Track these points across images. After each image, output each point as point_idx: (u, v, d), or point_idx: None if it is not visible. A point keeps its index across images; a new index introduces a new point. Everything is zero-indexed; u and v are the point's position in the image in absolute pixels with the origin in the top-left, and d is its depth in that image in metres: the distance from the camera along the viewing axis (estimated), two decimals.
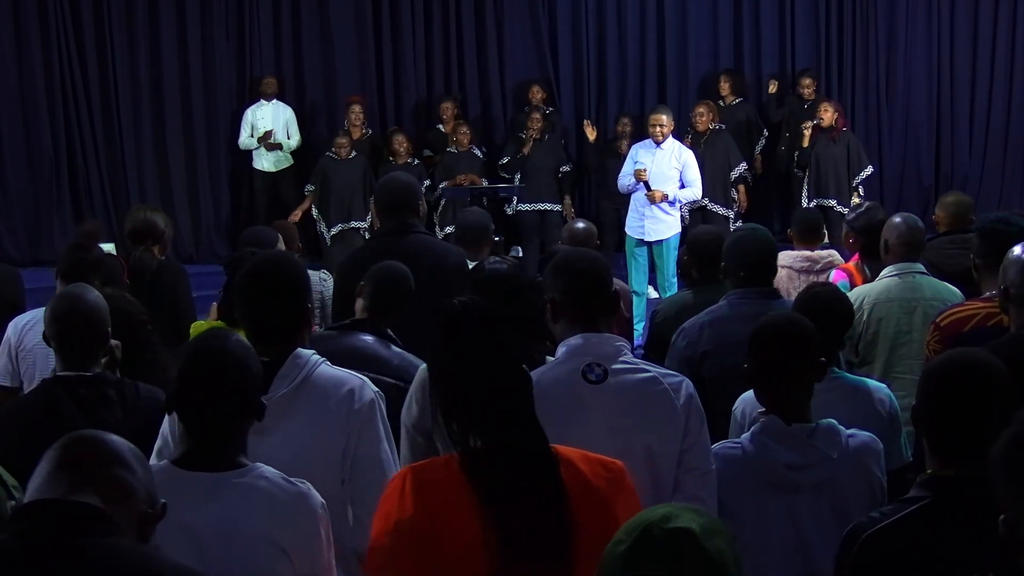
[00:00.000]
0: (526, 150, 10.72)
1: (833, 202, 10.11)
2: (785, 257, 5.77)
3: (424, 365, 3.21)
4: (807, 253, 6.02)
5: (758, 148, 11.23)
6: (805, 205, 10.34)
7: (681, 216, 9.75)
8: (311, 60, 11.92)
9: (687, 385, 2.89)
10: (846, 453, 2.94)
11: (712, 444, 2.99)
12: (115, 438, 2.13)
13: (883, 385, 3.54)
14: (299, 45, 11.91)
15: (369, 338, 3.86)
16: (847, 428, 3.02)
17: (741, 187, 10.50)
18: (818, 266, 5.98)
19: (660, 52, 12.22)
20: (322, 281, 6.29)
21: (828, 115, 10.24)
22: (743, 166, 10.56)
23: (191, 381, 2.56)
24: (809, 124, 10.50)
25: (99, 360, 3.35)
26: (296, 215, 10.79)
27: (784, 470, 2.92)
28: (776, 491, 2.93)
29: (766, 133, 11.28)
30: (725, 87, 11.35)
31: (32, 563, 1.91)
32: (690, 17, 12.14)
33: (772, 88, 11.51)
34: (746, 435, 3.02)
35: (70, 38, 11.43)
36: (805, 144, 10.46)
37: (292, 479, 2.58)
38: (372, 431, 2.97)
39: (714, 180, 10.24)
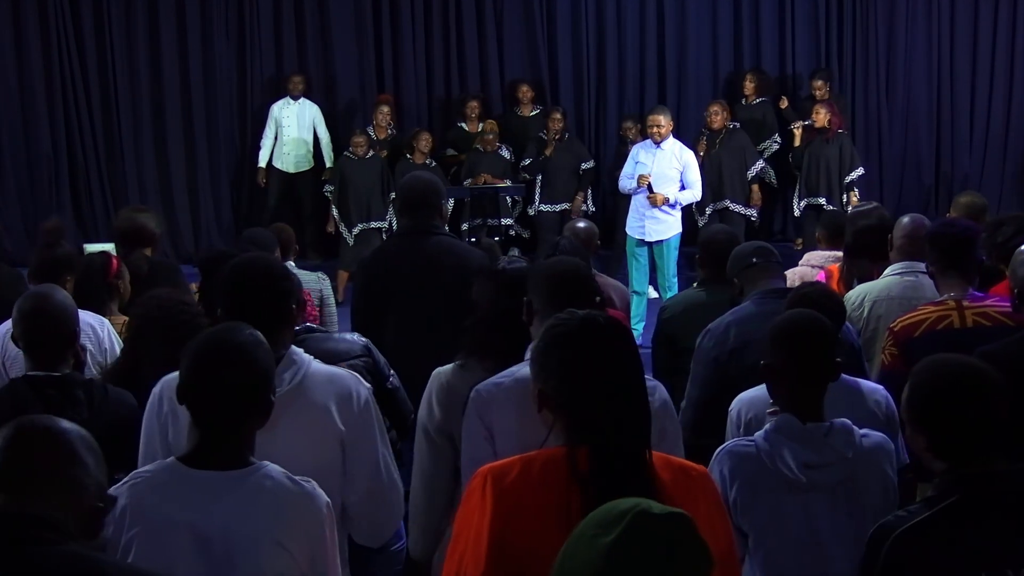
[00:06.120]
0: (549, 151, 10.70)
1: (823, 201, 10.07)
2: (815, 257, 5.75)
3: (439, 369, 3.21)
4: (840, 253, 5.95)
5: (764, 148, 11.02)
6: (796, 204, 10.37)
7: (698, 219, 9.78)
8: (312, 61, 11.91)
9: (661, 391, 2.90)
10: (861, 453, 2.95)
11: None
12: (67, 427, 2.07)
13: (879, 387, 3.53)
14: (301, 45, 11.90)
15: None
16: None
17: (755, 186, 10.48)
18: None
19: (660, 52, 12.21)
20: (320, 280, 6.32)
21: (821, 116, 10.19)
22: (760, 164, 10.55)
23: (200, 372, 2.49)
24: (799, 124, 10.47)
25: (68, 360, 3.33)
26: (330, 226, 10.69)
27: (800, 469, 2.91)
28: (791, 489, 2.92)
29: (779, 139, 11.12)
30: (750, 87, 11.30)
31: None
32: (690, 17, 12.12)
33: (783, 104, 11.40)
34: (760, 433, 3.01)
35: (70, 38, 11.42)
36: (796, 144, 10.46)
37: (297, 478, 2.55)
38: (369, 427, 3.01)
39: (732, 179, 10.24)
